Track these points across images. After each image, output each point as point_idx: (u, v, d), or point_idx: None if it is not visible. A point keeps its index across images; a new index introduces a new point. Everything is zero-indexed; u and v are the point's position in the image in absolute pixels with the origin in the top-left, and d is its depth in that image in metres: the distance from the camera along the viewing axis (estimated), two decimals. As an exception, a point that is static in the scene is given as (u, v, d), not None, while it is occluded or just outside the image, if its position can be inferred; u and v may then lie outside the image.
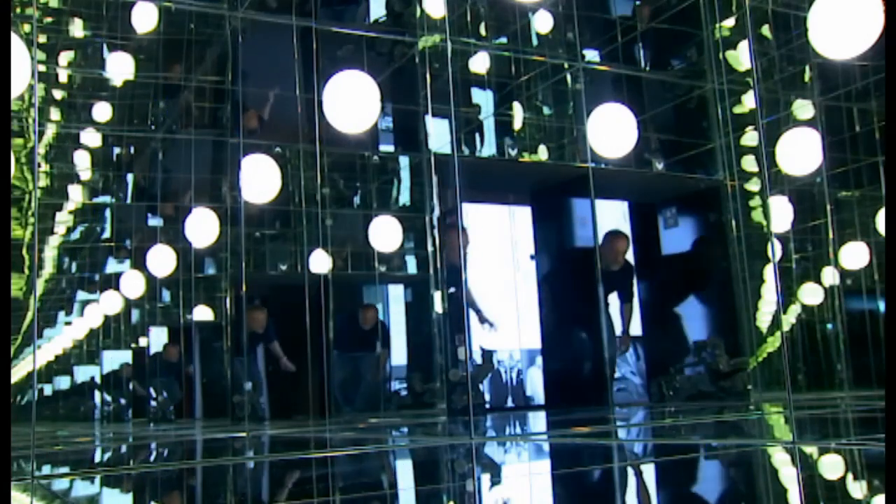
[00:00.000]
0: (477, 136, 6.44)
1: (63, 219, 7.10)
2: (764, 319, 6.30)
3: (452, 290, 5.55)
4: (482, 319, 5.96)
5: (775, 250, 6.31)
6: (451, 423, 4.54)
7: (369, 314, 6.67)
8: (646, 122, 6.30)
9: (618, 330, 5.87)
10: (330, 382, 6.19)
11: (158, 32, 6.49)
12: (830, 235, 6.35)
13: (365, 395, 6.57)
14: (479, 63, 6.29)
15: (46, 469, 2.91)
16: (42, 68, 6.73)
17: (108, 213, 7.15)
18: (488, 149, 6.41)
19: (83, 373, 7.10)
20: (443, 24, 5.96)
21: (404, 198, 6.90)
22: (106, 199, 7.16)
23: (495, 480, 2.08)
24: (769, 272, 6.26)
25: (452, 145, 6.01)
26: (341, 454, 2.98)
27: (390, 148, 7.08)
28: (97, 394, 7.00)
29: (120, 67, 6.70)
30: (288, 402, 6.36)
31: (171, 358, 6.81)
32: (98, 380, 7.01)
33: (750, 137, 6.14)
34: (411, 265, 6.82)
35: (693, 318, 6.23)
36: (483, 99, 6.48)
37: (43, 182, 7.04)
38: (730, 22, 6.31)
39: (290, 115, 6.48)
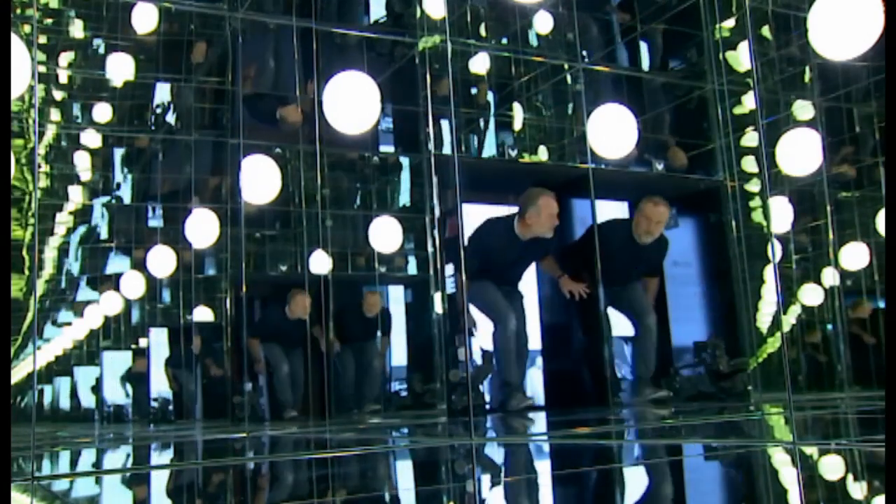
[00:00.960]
0: (483, 132, 6.38)
1: (63, 219, 7.10)
2: (764, 320, 6.30)
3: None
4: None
5: (775, 251, 6.31)
6: (452, 424, 4.55)
7: (373, 300, 6.50)
8: (646, 122, 6.30)
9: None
10: (331, 380, 6.17)
11: (158, 33, 6.50)
12: (830, 236, 6.36)
13: (368, 390, 6.46)
14: (480, 64, 6.30)
15: (46, 469, 2.91)
16: (42, 69, 6.74)
17: (108, 213, 7.15)
18: (488, 149, 6.41)
19: (83, 373, 7.09)
20: (443, 24, 5.96)
21: (404, 198, 6.90)
22: (106, 199, 7.16)
23: (496, 481, 2.08)
24: (769, 273, 6.26)
25: (452, 145, 6.01)
26: (342, 455, 2.98)
27: (390, 148, 7.08)
28: (97, 394, 7.00)
29: (120, 68, 6.70)
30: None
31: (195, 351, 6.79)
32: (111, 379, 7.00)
33: (750, 138, 6.15)
34: (411, 266, 6.82)
35: (692, 320, 6.23)
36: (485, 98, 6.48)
37: (43, 183, 7.05)
38: (730, 23, 6.31)
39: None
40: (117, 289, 6.72)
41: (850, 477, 1.77)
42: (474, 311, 5.04)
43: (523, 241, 5.02)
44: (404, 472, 2.46)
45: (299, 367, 6.23)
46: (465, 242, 5.17)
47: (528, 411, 4.98)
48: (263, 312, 6.66)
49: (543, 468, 2.38)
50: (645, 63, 6.75)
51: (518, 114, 6.38)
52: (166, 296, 6.99)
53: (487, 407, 5.48)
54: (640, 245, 5.25)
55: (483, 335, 5.17)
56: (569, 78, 6.28)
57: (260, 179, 5.01)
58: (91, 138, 7.02)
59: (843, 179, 6.67)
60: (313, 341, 6.15)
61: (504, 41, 6.53)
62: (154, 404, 6.82)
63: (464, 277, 4.96)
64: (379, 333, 6.51)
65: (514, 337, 4.95)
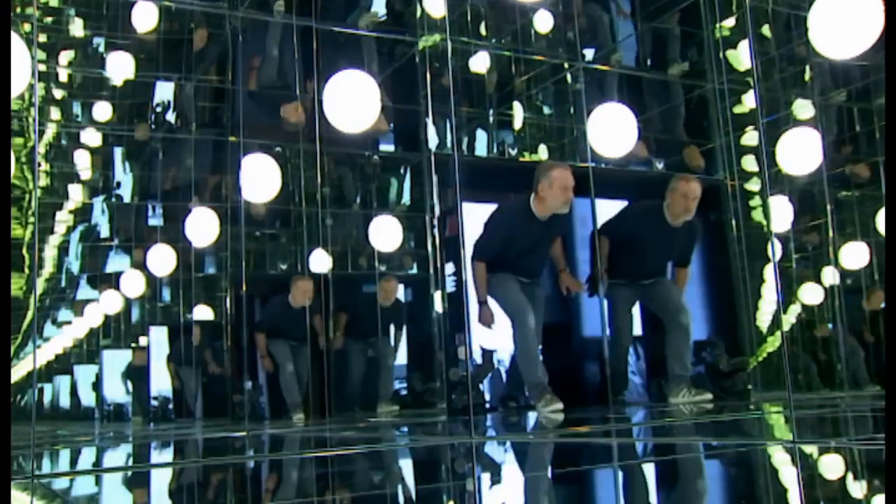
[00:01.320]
0: (488, 130, 6.33)
1: (63, 218, 7.11)
2: (764, 319, 6.31)
3: None
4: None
5: (775, 250, 6.31)
6: (452, 423, 4.54)
7: (389, 287, 6.24)
8: (646, 121, 6.30)
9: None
10: (332, 377, 6.14)
11: (158, 31, 6.50)
12: (830, 235, 6.36)
13: (383, 389, 6.31)
14: (480, 62, 6.29)
15: (47, 467, 2.91)
16: (42, 67, 6.74)
17: (108, 212, 7.15)
18: (489, 148, 6.41)
19: (83, 372, 7.10)
20: (443, 23, 5.96)
21: (404, 197, 6.90)
22: (106, 198, 7.17)
23: (496, 480, 2.08)
24: (769, 272, 6.26)
25: (453, 145, 6.01)
26: (342, 454, 2.98)
27: (391, 147, 7.09)
28: (97, 393, 7.01)
29: (120, 66, 6.70)
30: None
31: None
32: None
33: (750, 137, 6.15)
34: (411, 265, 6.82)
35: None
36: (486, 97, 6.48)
37: (43, 181, 7.05)
38: (730, 22, 6.32)
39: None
40: (117, 287, 6.73)
41: (849, 476, 1.77)
42: (493, 305, 4.80)
43: (541, 220, 4.67)
44: (404, 471, 2.47)
45: (304, 366, 6.12)
46: (481, 229, 4.91)
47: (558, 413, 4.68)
48: (267, 305, 6.53)
49: (544, 467, 2.38)
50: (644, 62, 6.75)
51: (518, 113, 6.38)
52: (166, 294, 6.99)
53: (487, 406, 5.48)
54: (674, 229, 4.93)
55: (492, 332, 4.98)
56: (569, 77, 6.28)
57: (260, 178, 5.01)
58: (91, 137, 7.02)
59: (855, 180, 6.65)
60: (315, 337, 6.06)
61: (504, 40, 6.53)
62: (154, 403, 6.82)
63: (464, 275, 4.92)
64: (392, 328, 6.36)
65: (534, 336, 4.65)
